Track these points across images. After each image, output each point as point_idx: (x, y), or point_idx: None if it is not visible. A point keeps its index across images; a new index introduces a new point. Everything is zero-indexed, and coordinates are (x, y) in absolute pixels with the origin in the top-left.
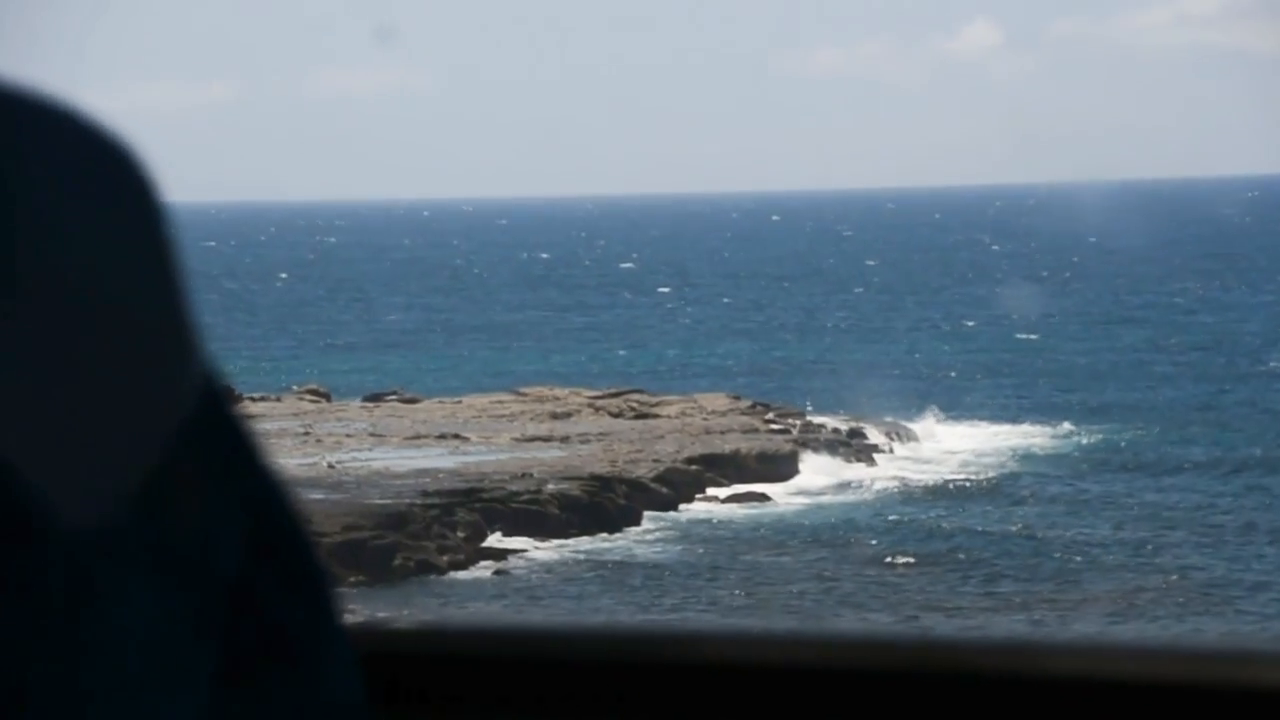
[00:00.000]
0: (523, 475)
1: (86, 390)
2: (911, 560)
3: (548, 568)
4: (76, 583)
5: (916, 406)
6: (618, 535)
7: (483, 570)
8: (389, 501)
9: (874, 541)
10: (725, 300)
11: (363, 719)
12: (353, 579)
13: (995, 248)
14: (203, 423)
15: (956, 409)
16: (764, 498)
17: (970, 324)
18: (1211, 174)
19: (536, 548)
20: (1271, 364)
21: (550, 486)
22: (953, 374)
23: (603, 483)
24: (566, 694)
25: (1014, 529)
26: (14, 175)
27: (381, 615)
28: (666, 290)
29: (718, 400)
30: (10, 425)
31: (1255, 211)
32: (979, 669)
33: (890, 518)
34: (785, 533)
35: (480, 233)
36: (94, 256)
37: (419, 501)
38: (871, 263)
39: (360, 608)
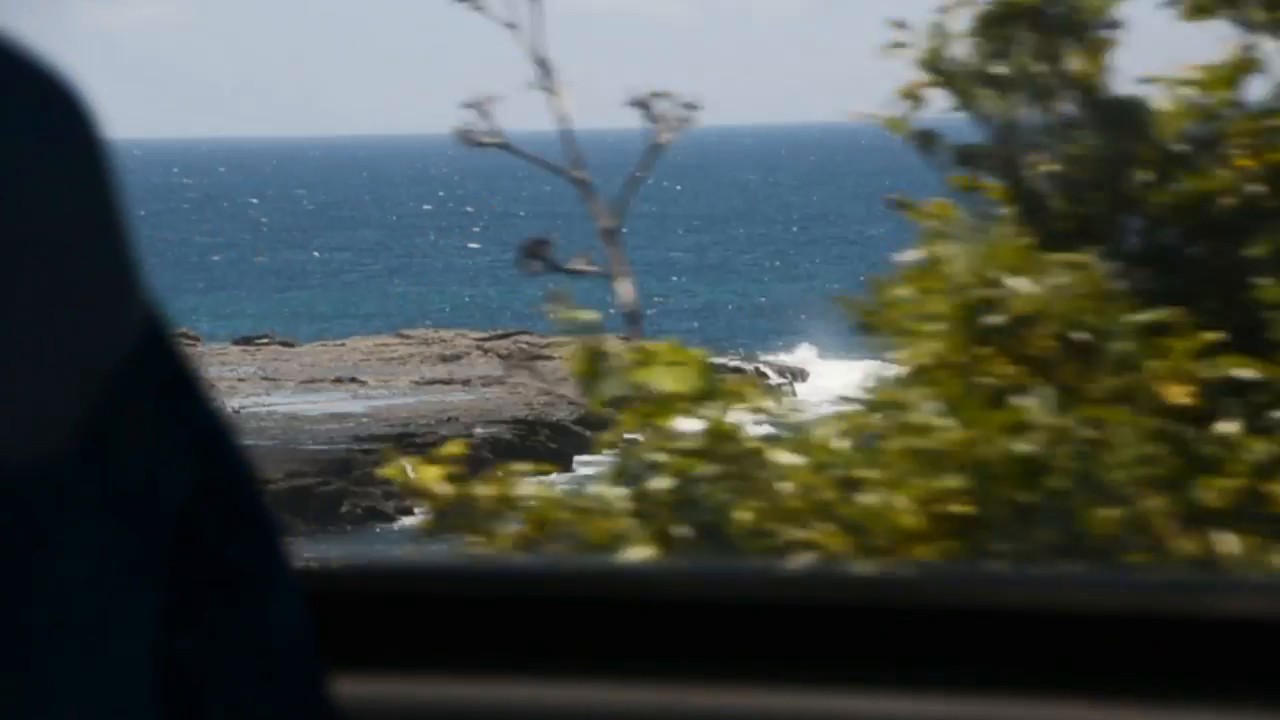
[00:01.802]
0: (449, 420)
1: (24, 330)
2: None
3: None
4: (20, 522)
5: (788, 346)
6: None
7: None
8: (324, 447)
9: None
10: None
11: (311, 655)
12: (302, 527)
13: (813, 193)
14: (146, 360)
15: (833, 349)
16: None
17: (809, 264)
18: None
19: None
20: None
21: (479, 430)
22: (797, 314)
23: (529, 427)
24: (511, 630)
25: None
26: None
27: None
28: (478, 230)
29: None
30: None
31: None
32: (931, 601)
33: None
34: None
35: (257, 173)
36: (28, 192)
37: (356, 448)
38: (682, 198)
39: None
